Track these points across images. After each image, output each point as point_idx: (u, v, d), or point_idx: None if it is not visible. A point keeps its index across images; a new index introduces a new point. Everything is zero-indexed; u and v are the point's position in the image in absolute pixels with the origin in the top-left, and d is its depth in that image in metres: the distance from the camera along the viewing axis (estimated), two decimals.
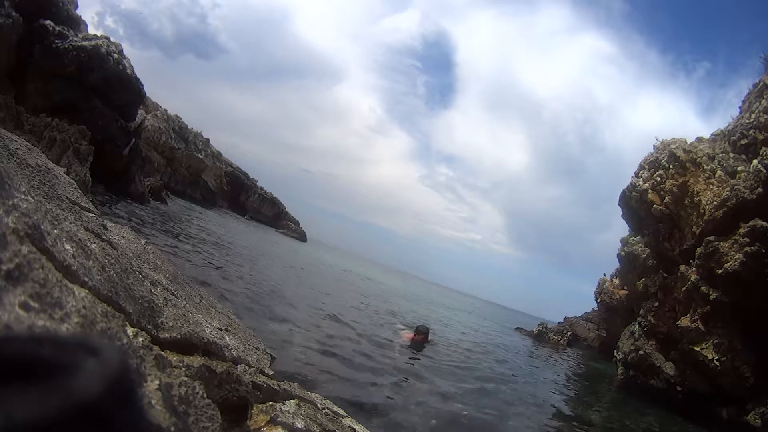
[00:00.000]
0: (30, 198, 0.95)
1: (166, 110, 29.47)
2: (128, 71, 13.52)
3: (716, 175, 8.60)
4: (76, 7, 12.74)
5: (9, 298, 0.64)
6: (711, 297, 8.08)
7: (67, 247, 0.98)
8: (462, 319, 19.87)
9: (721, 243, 7.89)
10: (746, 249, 7.55)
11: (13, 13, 9.80)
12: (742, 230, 7.69)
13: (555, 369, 11.59)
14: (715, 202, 8.21)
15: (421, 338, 7.97)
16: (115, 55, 12.97)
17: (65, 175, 1.87)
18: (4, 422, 0.22)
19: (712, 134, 10.36)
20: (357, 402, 4.11)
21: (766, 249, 7.44)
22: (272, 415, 1.60)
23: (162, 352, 1.14)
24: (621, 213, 11.60)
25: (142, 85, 14.55)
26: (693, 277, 8.49)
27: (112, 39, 13.37)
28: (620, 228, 12.44)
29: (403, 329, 8.57)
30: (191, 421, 1.07)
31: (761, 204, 7.62)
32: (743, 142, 8.78)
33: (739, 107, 10.20)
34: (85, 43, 11.84)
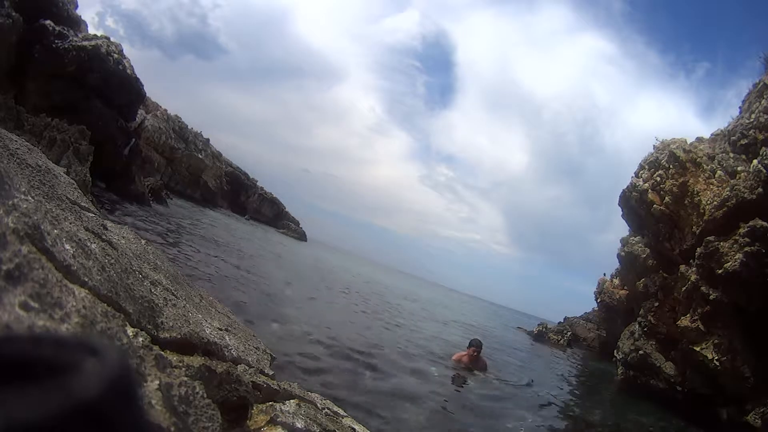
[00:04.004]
0: (30, 198, 0.95)
1: (166, 110, 29.46)
2: (128, 71, 13.52)
3: (716, 175, 8.60)
4: (76, 7, 12.74)
5: (9, 298, 0.64)
6: (711, 297, 8.07)
7: (67, 247, 0.98)
8: (462, 319, 19.85)
9: (721, 243, 7.89)
10: (746, 249, 7.54)
11: (13, 13, 9.79)
12: (742, 230, 7.68)
13: (555, 369, 11.59)
14: (715, 202, 8.20)
15: (476, 354, 7.03)
16: (115, 55, 12.97)
17: (65, 175, 1.87)
18: (4, 422, 0.22)
19: (712, 134, 10.35)
20: (357, 402, 4.11)
21: (766, 249, 7.43)
22: (272, 415, 1.60)
23: (162, 352, 1.14)
24: (621, 213, 11.58)
25: (142, 85, 14.55)
26: (693, 277, 8.48)
27: (112, 39, 13.37)
28: (620, 228, 12.44)
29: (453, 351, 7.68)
30: (191, 421, 1.07)
31: (761, 204, 7.61)
32: (743, 142, 8.77)
33: (739, 107, 10.18)
34: (85, 43, 11.84)
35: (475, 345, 7.07)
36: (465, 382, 6.52)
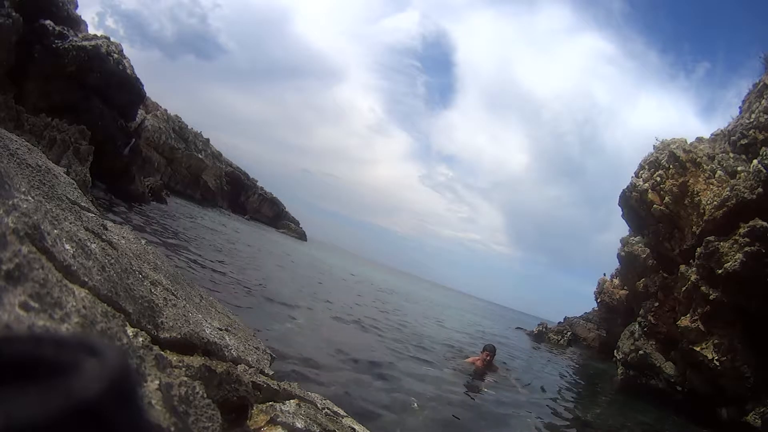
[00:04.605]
0: (30, 198, 0.95)
1: (166, 110, 29.50)
2: (128, 71, 13.52)
3: (716, 175, 8.59)
4: (76, 7, 12.74)
5: (9, 298, 0.64)
6: (711, 297, 8.07)
7: (67, 247, 0.98)
8: (462, 319, 19.86)
9: (721, 243, 7.88)
10: (746, 249, 7.54)
11: (13, 13, 9.79)
12: (742, 230, 7.68)
13: (555, 369, 11.59)
14: (715, 202, 8.20)
15: (489, 358, 7.07)
16: (115, 55, 12.97)
17: (65, 175, 1.87)
18: (4, 422, 0.22)
19: (712, 134, 10.34)
20: (357, 402, 4.11)
21: (766, 249, 7.43)
22: (272, 415, 1.60)
23: (162, 352, 1.14)
24: (621, 213, 11.58)
25: (142, 85, 14.55)
26: (693, 277, 8.48)
27: (112, 39, 13.36)
28: (620, 228, 12.44)
29: (465, 357, 7.75)
30: (191, 421, 1.07)
31: (761, 204, 7.61)
32: (743, 142, 8.77)
33: (739, 107, 10.17)
34: (85, 43, 11.84)
35: (489, 350, 7.14)
36: (478, 385, 6.49)
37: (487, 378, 6.91)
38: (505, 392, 6.52)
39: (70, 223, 1.22)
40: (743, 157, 8.62)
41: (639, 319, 10.40)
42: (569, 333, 18.86)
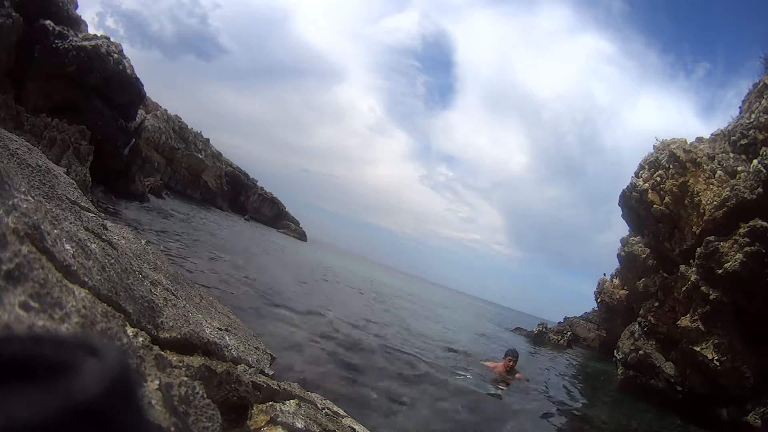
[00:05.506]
0: (30, 198, 0.95)
1: (166, 110, 29.51)
2: (128, 71, 13.51)
3: (716, 175, 8.60)
4: (76, 7, 12.74)
5: (9, 298, 0.64)
6: (711, 297, 8.08)
7: (67, 247, 0.98)
8: (461, 319, 19.86)
9: (721, 243, 7.89)
10: (746, 249, 7.55)
11: (13, 13, 9.80)
12: (742, 230, 7.69)
13: (555, 369, 11.59)
14: (715, 202, 8.21)
15: (512, 364, 7.08)
16: (115, 55, 12.97)
17: (65, 175, 1.87)
18: (4, 422, 0.22)
19: (712, 134, 10.35)
20: (357, 402, 4.11)
21: (766, 249, 7.43)
22: (272, 415, 1.60)
23: (162, 352, 1.14)
24: (621, 213, 11.59)
25: (142, 85, 14.54)
26: (693, 277, 8.48)
27: (112, 39, 13.36)
28: (620, 228, 12.44)
29: (486, 360, 7.77)
30: (191, 421, 1.07)
31: (761, 204, 7.62)
32: (743, 142, 8.78)
33: (739, 107, 10.19)
34: (85, 43, 11.84)
35: (511, 355, 7.12)
36: (499, 390, 6.46)
37: (509, 384, 6.86)
38: (526, 400, 6.49)
39: (70, 223, 1.22)
40: (743, 157, 8.62)
41: (639, 319, 10.40)
42: (569, 333, 18.84)
